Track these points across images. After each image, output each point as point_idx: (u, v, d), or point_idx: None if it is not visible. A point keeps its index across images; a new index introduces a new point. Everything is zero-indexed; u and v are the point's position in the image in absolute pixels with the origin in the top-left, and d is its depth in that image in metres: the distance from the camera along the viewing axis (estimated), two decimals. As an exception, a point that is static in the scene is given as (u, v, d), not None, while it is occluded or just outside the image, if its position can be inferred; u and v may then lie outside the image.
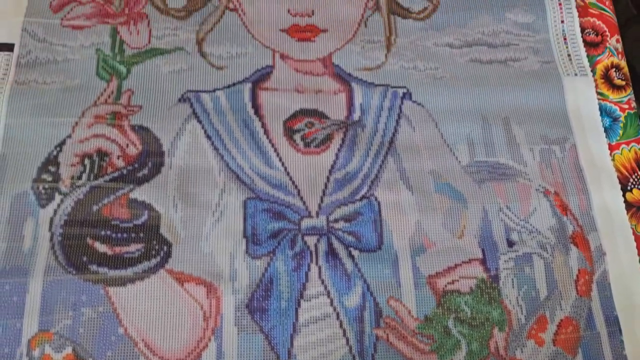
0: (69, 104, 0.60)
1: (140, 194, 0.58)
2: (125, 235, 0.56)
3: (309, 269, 0.57)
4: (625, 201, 0.63)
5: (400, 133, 0.64)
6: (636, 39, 1.08)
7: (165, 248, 0.56)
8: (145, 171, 0.59)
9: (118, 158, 0.59)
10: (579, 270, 0.60)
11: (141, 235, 0.56)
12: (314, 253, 0.57)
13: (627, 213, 0.63)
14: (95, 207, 0.57)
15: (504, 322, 0.57)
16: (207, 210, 0.58)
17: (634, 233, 0.62)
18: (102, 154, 0.59)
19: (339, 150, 0.62)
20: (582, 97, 0.68)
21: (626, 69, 0.70)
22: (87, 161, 0.58)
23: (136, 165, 0.59)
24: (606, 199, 0.63)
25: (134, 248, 0.56)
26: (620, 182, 0.64)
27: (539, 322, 0.57)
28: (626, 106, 0.68)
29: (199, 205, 0.58)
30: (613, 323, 0.58)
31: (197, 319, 0.54)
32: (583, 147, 0.65)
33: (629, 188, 0.64)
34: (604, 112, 0.68)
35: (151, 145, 0.60)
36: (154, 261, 0.55)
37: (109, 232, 0.56)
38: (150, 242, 0.56)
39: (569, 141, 0.65)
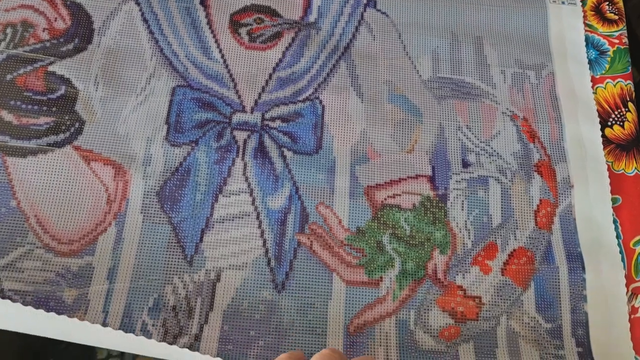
0: (0, -29, 0.56)
1: (60, 67, 0.53)
2: (36, 107, 0.51)
3: (233, 164, 0.50)
4: (604, 137, 0.56)
5: (358, 40, 0.58)
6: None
7: (77, 125, 0.50)
8: (70, 47, 0.54)
9: (43, 31, 0.54)
10: (540, 200, 0.52)
11: (54, 109, 0.51)
12: (241, 148, 0.51)
13: (605, 149, 0.55)
14: (9, 76, 0.52)
15: (447, 245, 0.50)
16: (131, 93, 0.53)
17: (609, 169, 0.54)
18: (26, 25, 0.54)
19: (286, 49, 0.56)
20: (567, 25, 0.61)
21: (621, 4, 0.63)
22: (9, 30, 0.54)
23: (61, 40, 0.54)
24: (582, 131, 0.56)
25: (42, 121, 0.50)
26: (600, 117, 0.57)
27: (488, 249, 0.50)
28: (616, 41, 0.61)
29: (123, 87, 0.53)
30: (575, 259, 0.50)
31: (100, 201, 0.48)
32: (562, 75, 0.58)
33: (609, 124, 0.57)
34: (590, 44, 0.61)
35: (81, 22, 0.55)
36: (62, 136, 0.50)
37: (19, 103, 0.51)
38: (62, 117, 0.51)
39: (546, 68, 0.58)
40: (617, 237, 0.52)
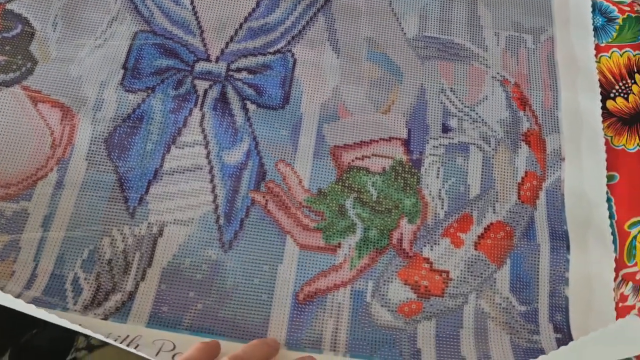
0: None
1: (19, 6, 0.50)
2: (-12, 45, 0.48)
3: (189, 114, 0.47)
4: (605, 109, 0.50)
5: (340, -7, 0.53)
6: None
7: (28, 65, 0.47)
8: (31, -15, 0.50)
9: (5, -32, 0.51)
10: (525, 172, 0.47)
11: (7, 48, 0.48)
12: (200, 98, 0.47)
13: (604, 122, 0.50)
14: (-36, 12, 0.49)
15: (417, 214, 0.45)
16: (90, 35, 0.49)
17: (607, 144, 0.49)
18: (-12, -39, 0.51)
19: (261, -1, 0.52)
20: (572, -12, 0.55)
21: (635, -30, 0.58)
22: (-31, -35, 0.51)
23: (23, -22, 0.51)
24: (580, 101, 0.50)
25: (-7, 59, 0.47)
26: (602, 87, 0.51)
27: (462, 220, 0.45)
28: (627, 8, 0.55)
29: (82, 29, 0.50)
30: (559, 238, 0.45)
31: (44, 145, 0.45)
32: (563, 41, 0.53)
33: (612, 95, 0.51)
34: (597, 10, 0.55)
35: (46, -40, 0.51)
36: (11, 75, 0.47)
37: (-29, 39, 0.48)
38: (15, 56, 0.47)
39: (546, 33, 0.53)
40: (610, 217, 0.47)
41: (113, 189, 0.44)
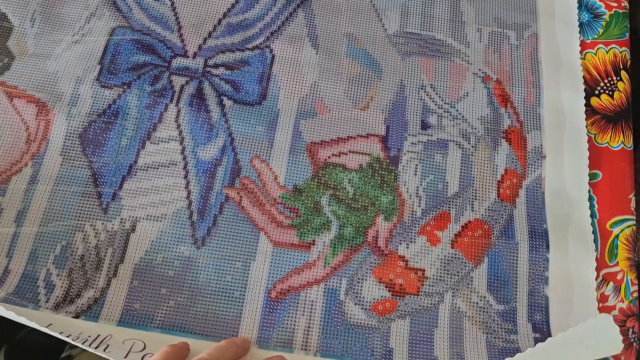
0: None
1: (-3, 1, 0.49)
2: (-34, 40, 0.47)
3: (165, 110, 0.46)
4: (590, 106, 0.50)
5: (321, -11, 0.53)
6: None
7: (5, 60, 0.47)
8: (11, -20, 0.50)
9: (-15, -37, 0.51)
10: (505, 170, 0.46)
11: (-16, 43, 0.48)
12: (176, 93, 0.47)
13: (588, 119, 0.49)
14: (-58, 8, 0.49)
15: (393, 211, 0.44)
16: (68, 31, 0.49)
17: (590, 142, 0.48)
18: (-32, -43, 0.51)
19: (242, -6, 0.52)
20: (558, -16, 0.55)
21: (623, -34, 0.57)
22: (-51, -39, 0.50)
23: (2, -27, 0.50)
24: (562, 98, 0.49)
25: (-30, 54, 0.47)
26: (587, 84, 0.50)
27: (439, 218, 0.44)
28: (614, 4, 0.54)
29: (60, 25, 0.49)
30: (539, 236, 0.44)
31: (19, 140, 0.45)
32: (547, 37, 0.52)
33: (596, 92, 0.50)
34: (584, 6, 0.54)
35: (25, -44, 0.51)
36: (-13, 70, 0.47)
37: (-52, 35, 0.48)
38: (-8, 52, 0.47)
39: (530, 29, 0.52)
40: (592, 215, 0.46)
41: (87, 184, 0.44)
